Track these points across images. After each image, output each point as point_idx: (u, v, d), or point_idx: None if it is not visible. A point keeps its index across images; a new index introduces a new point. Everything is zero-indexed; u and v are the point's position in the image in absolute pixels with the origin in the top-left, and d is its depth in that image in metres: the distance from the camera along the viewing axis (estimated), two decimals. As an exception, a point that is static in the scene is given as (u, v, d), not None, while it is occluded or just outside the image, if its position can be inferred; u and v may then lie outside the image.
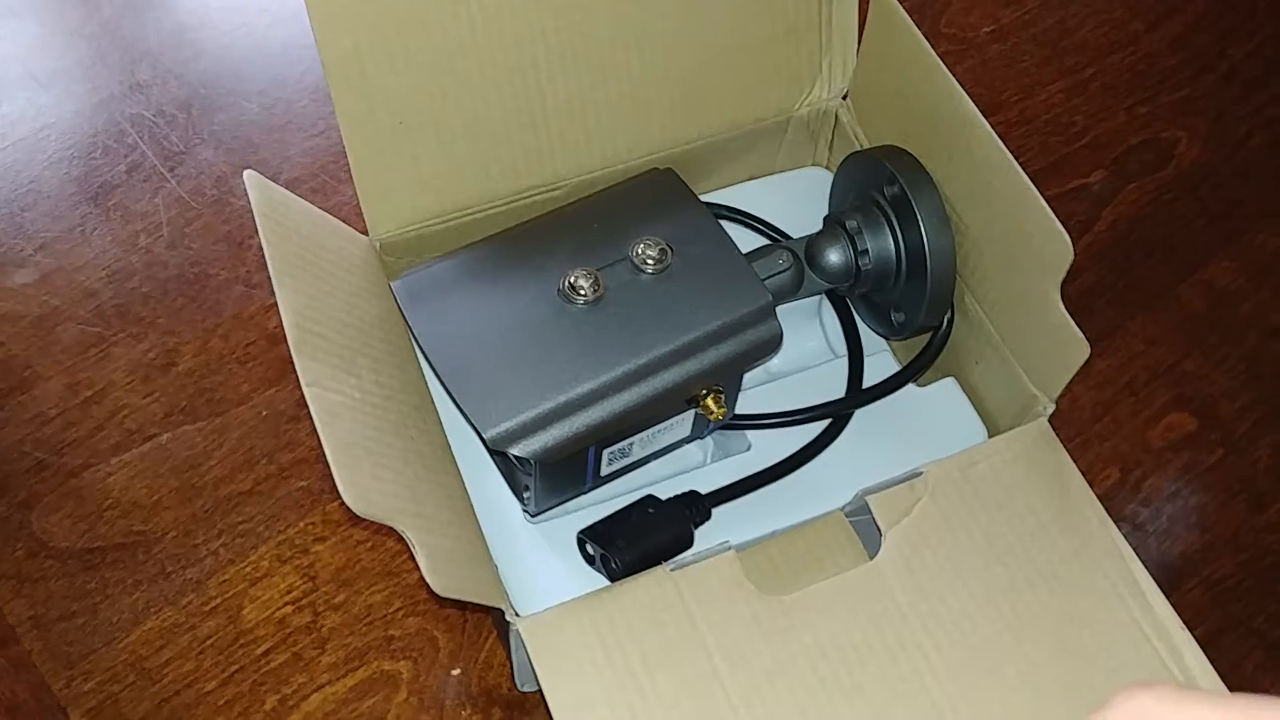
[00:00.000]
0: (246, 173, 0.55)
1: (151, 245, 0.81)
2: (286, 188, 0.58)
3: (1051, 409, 0.61)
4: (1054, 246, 0.56)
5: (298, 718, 0.67)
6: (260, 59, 0.91)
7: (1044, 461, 0.60)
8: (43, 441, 0.74)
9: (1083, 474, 0.60)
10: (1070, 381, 0.59)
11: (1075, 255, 0.55)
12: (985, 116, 0.59)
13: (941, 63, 0.60)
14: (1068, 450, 0.60)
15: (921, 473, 0.59)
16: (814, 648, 0.55)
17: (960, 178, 0.62)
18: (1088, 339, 0.56)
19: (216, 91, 0.89)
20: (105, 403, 0.76)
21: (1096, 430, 0.78)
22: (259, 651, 0.69)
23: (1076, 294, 0.80)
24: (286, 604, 0.70)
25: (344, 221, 0.63)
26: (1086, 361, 0.57)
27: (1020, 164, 0.57)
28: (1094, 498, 0.59)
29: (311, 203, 0.60)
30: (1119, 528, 0.58)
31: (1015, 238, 0.59)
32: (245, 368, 0.77)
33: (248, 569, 0.71)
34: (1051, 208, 0.55)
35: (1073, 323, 0.57)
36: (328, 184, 0.84)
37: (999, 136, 0.58)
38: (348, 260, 0.60)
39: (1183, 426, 0.79)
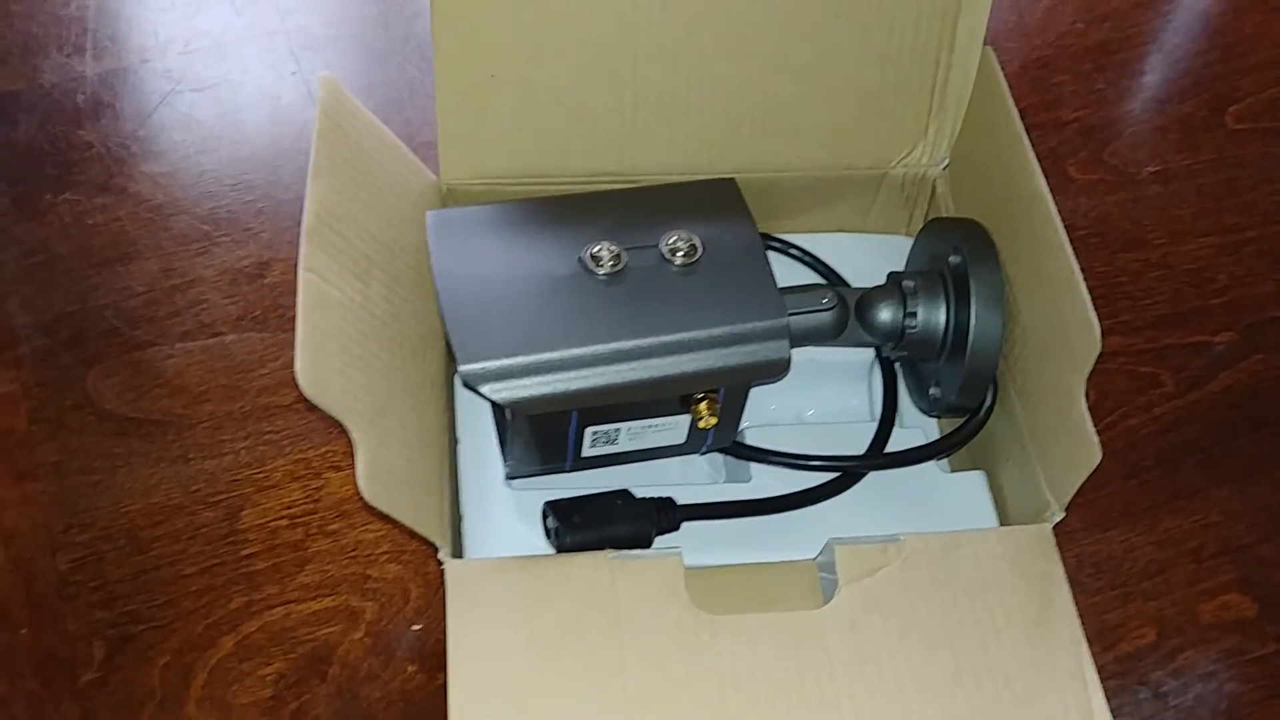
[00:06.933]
0: (322, 75, 0.57)
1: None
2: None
3: (1060, 516, 0.57)
4: (1083, 338, 0.53)
5: (256, 624, 0.68)
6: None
7: (1033, 567, 0.56)
8: (123, 312, 0.78)
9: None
10: (1081, 488, 0.55)
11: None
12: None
13: (1025, 135, 0.58)
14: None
15: (900, 539, 0.56)
16: (728, 673, 0.52)
17: (1022, 258, 0.59)
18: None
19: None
20: (189, 293, 0.80)
21: (1144, 586, 0.72)
22: (243, 553, 0.71)
23: (1168, 447, 0.76)
24: (284, 517, 0.72)
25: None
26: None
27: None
28: (1076, 619, 0.55)
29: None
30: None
31: (1053, 325, 0.56)
32: (322, 295, 0.80)
33: (260, 475, 0.73)
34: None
35: (1090, 423, 0.53)
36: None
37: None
38: (404, 187, 0.61)
39: (1240, 608, 0.73)
